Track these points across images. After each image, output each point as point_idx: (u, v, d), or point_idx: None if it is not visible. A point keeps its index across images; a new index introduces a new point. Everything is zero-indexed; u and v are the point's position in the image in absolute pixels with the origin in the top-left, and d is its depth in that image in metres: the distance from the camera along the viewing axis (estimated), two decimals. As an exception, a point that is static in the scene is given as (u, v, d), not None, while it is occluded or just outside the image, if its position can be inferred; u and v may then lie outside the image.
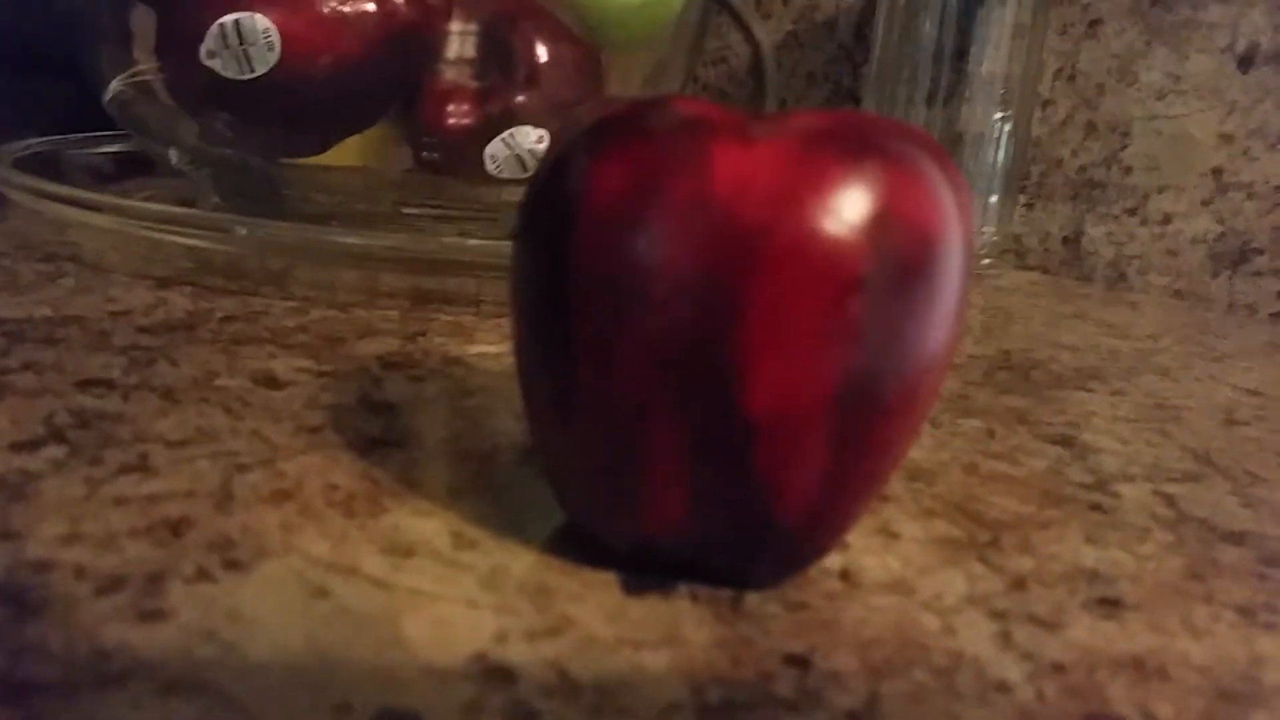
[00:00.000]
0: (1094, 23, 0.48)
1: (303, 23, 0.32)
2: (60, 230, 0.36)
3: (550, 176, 0.16)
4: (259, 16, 0.32)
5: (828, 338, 0.15)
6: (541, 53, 0.37)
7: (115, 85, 0.37)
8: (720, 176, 0.14)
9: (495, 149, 0.36)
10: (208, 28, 0.32)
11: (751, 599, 0.17)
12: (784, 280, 0.14)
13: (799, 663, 0.15)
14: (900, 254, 0.15)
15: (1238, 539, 0.21)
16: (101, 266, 0.32)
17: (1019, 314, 0.41)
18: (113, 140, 0.44)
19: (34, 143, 0.41)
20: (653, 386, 0.15)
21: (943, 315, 0.15)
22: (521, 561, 0.17)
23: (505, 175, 0.37)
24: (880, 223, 0.14)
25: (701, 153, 0.15)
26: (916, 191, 0.15)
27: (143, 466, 0.19)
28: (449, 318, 0.31)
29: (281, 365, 0.25)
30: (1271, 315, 0.46)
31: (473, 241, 0.31)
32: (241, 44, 0.32)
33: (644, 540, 0.17)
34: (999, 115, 0.46)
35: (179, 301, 0.30)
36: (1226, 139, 0.46)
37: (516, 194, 0.38)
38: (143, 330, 0.27)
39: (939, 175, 0.15)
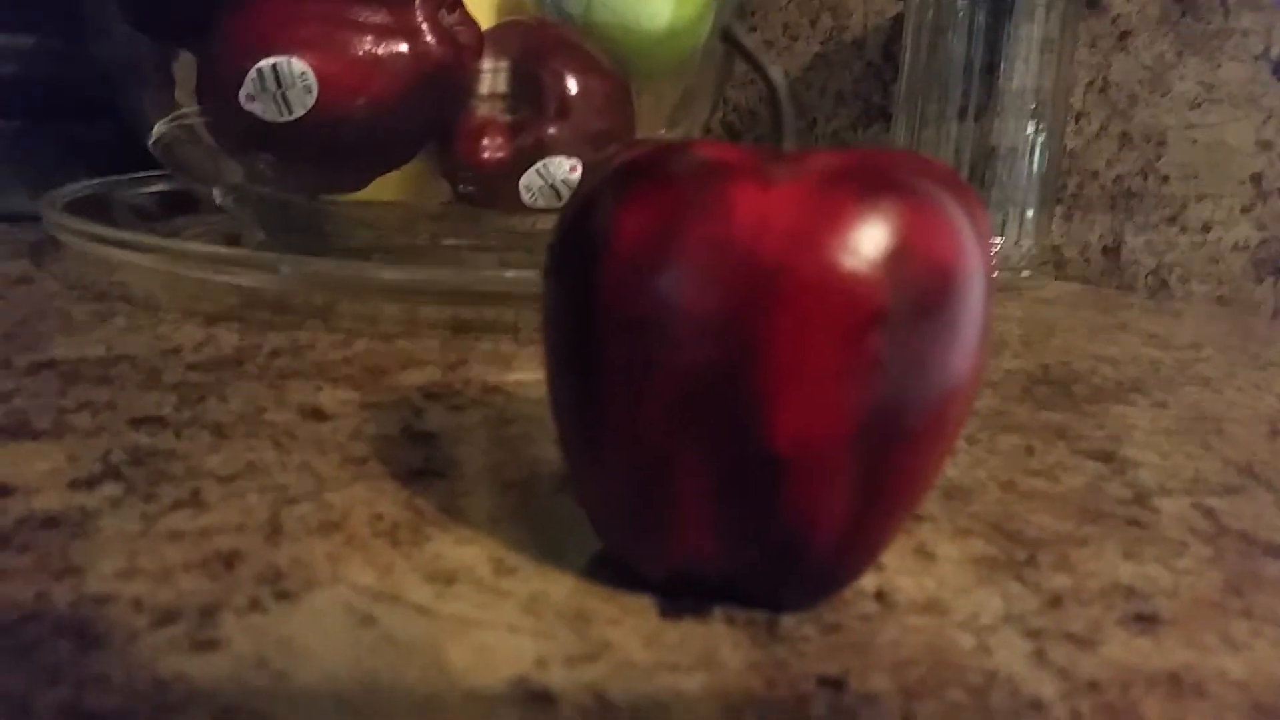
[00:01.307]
0: (1124, 35, 0.48)
1: (338, 65, 0.33)
2: (110, 270, 0.37)
3: (576, 219, 0.16)
4: (296, 61, 0.33)
5: (849, 372, 0.15)
6: (571, 85, 0.38)
7: (159, 128, 0.39)
8: (739, 218, 0.15)
9: (530, 180, 0.37)
10: (246, 73, 0.33)
11: (787, 621, 0.17)
12: (804, 317, 0.15)
13: (834, 684, 0.15)
14: (919, 287, 0.15)
15: (1279, 552, 0.21)
16: (151, 305, 0.34)
17: (1060, 326, 0.41)
18: (158, 180, 0.45)
19: (82, 185, 0.42)
20: (679, 423, 0.15)
21: (965, 345, 0.16)
22: (560, 587, 0.18)
23: (540, 205, 0.37)
24: (898, 257, 0.15)
25: (721, 195, 0.15)
26: (934, 225, 0.15)
27: (195, 501, 0.20)
28: (488, 346, 0.32)
29: (327, 397, 0.26)
30: (1317, 322, 0.45)
31: (510, 272, 0.32)
32: (280, 88, 0.33)
33: (677, 570, 0.17)
34: (1031, 128, 0.46)
35: (227, 338, 0.31)
36: (1264, 145, 0.46)
37: (551, 223, 0.39)
38: (192, 367, 0.28)
39: (957, 208, 0.16)
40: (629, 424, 0.16)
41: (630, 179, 0.16)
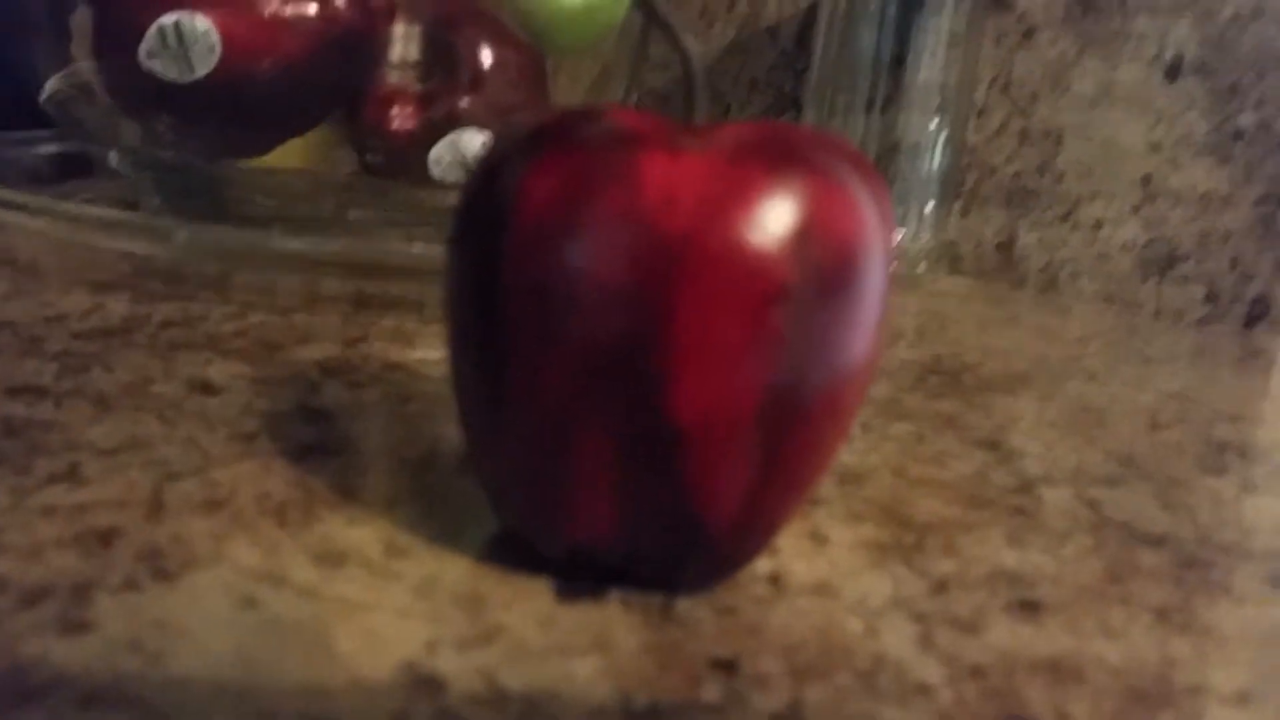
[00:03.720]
0: (1028, 32, 0.49)
1: (244, 24, 0.32)
2: (-8, 232, 0.35)
3: (483, 184, 0.16)
4: (199, 17, 0.32)
5: (751, 347, 0.15)
6: (486, 57, 0.37)
7: (52, 84, 0.37)
8: (648, 188, 0.15)
9: (439, 152, 0.36)
10: (147, 28, 0.32)
11: (682, 604, 0.17)
12: (709, 290, 0.15)
13: (726, 667, 0.16)
14: (823, 265, 0.15)
15: (1157, 542, 0.22)
16: (37, 271, 0.32)
17: (953, 319, 0.42)
18: (50, 140, 0.43)
19: (-35, 143, 0.40)
20: (581, 394, 0.15)
21: (865, 325, 0.16)
22: (454, 569, 0.17)
23: (449, 179, 0.37)
24: (804, 234, 0.15)
25: (630, 164, 0.15)
26: (839, 204, 0.15)
27: (73, 475, 0.19)
28: (391, 323, 0.31)
29: (218, 371, 0.25)
30: (1197, 320, 0.47)
31: (416, 246, 0.31)
32: (182, 45, 0.31)
33: (575, 547, 0.17)
34: (935, 123, 0.47)
35: (116, 306, 0.29)
36: (1155, 147, 0.47)
37: (459, 198, 0.38)
38: (77, 336, 0.27)
39: (862, 187, 0.16)
40: (531, 394, 0.15)
41: (538, 144, 0.15)
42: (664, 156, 0.15)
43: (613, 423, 0.15)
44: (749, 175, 0.15)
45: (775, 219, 0.15)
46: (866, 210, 0.16)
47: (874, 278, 0.16)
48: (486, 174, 0.16)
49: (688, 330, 0.15)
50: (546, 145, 0.15)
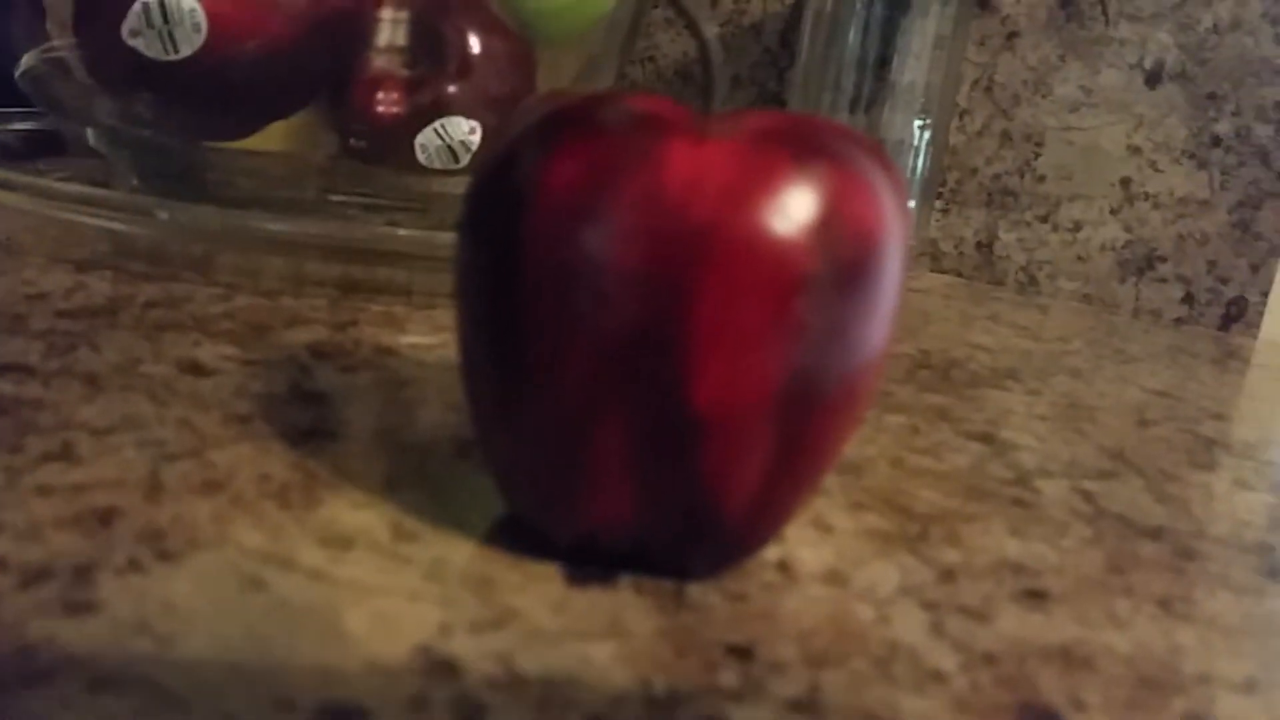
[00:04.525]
0: (1011, 35, 0.49)
1: (230, 4, 0.32)
2: (-34, 210, 0.34)
3: (501, 168, 0.16)
4: (184, -5, 0.31)
5: (773, 336, 0.15)
6: (474, 44, 0.37)
7: (28, 60, 0.36)
8: (672, 173, 0.15)
9: (426, 138, 0.36)
10: (130, 5, 0.31)
11: (693, 590, 0.17)
12: (732, 277, 0.14)
13: (741, 653, 0.15)
14: (844, 255, 0.15)
15: (1154, 534, 0.22)
16: (15, 248, 0.31)
17: (936, 315, 0.42)
18: (24, 117, 0.42)
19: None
20: (601, 380, 0.15)
21: (882, 315, 0.16)
22: (463, 553, 0.17)
23: (436, 165, 0.36)
24: (826, 223, 0.15)
25: (654, 149, 0.15)
26: (861, 194, 0.15)
27: (67, 454, 0.18)
28: (379, 308, 0.31)
29: (207, 353, 0.25)
30: (1175, 320, 0.48)
31: (403, 231, 0.31)
32: (166, 23, 0.31)
33: (588, 534, 0.17)
34: (918, 123, 0.47)
35: (99, 286, 0.29)
36: (1134, 151, 0.48)
37: (446, 184, 0.38)
38: (62, 314, 0.26)
39: (882, 178, 0.16)
40: (549, 381, 0.15)
41: (559, 128, 0.15)
42: (687, 143, 0.15)
43: (632, 410, 0.15)
44: (772, 163, 0.15)
45: (799, 208, 0.15)
46: (886, 201, 0.16)
47: (892, 268, 0.16)
48: (504, 157, 0.16)
49: (709, 318, 0.15)
50: (567, 130, 0.15)
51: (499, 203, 0.16)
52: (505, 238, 0.15)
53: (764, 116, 0.16)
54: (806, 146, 0.15)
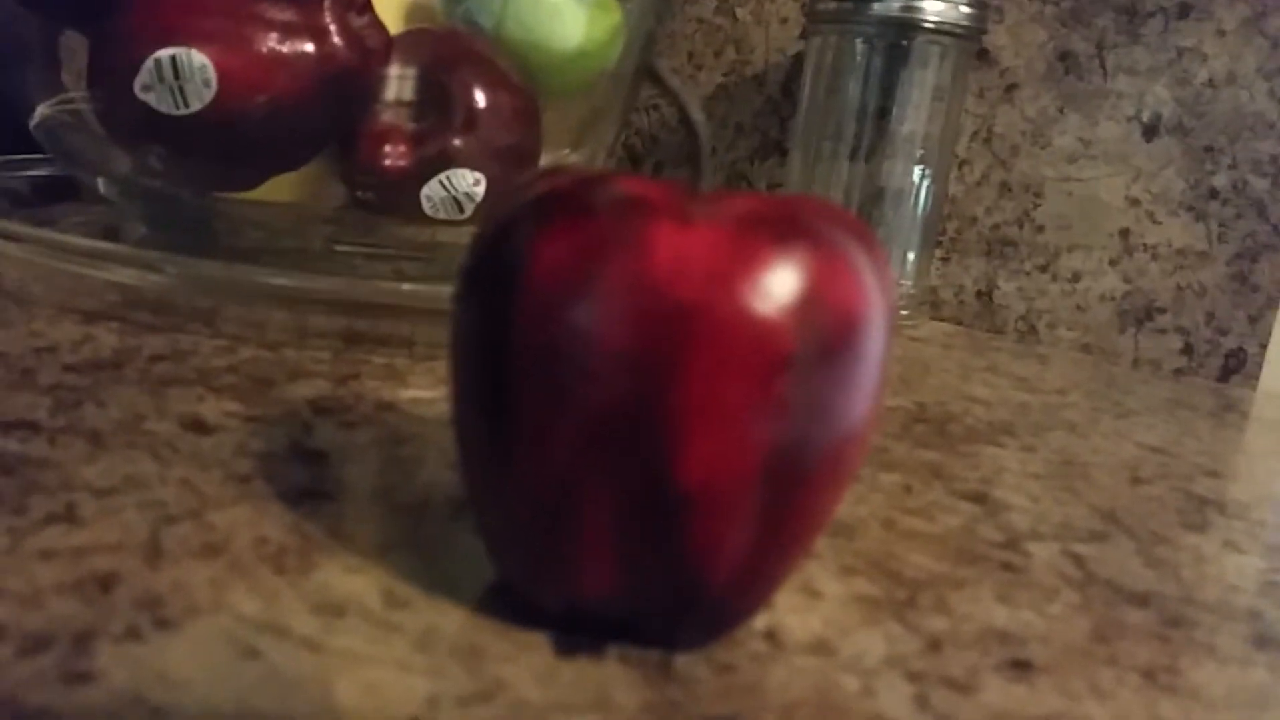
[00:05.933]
0: (1010, 87, 0.50)
1: (241, 61, 0.32)
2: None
3: (492, 244, 0.16)
4: (195, 53, 0.32)
5: (757, 413, 0.15)
6: (479, 97, 0.37)
7: (42, 110, 0.37)
8: (658, 256, 0.15)
9: (432, 190, 0.37)
10: (142, 61, 0.32)
11: (680, 661, 0.17)
12: (717, 357, 0.15)
13: (725, 726, 0.16)
14: (826, 334, 0.15)
15: (1141, 600, 0.22)
16: (24, 298, 0.32)
17: (935, 365, 0.43)
18: (37, 164, 0.43)
19: (-51, 165, 0.40)
20: (587, 456, 0.15)
21: (865, 390, 0.16)
22: (453, 621, 0.17)
23: (441, 216, 0.37)
24: (808, 304, 0.15)
25: (641, 232, 0.15)
26: (843, 274, 0.16)
27: (70, 516, 0.19)
28: (381, 360, 0.31)
29: (210, 408, 0.25)
30: (1175, 371, 0.48)
31: (406, 285, 0.32)
32: (177, 79, 0.32)
33: (575, 603, 0.17)
34: (918, 172, 0.48)
35: (106, 338, 0.29)
36: (1133, 202, 0.48)
37: (451, 235, 0.38)
38: (69, 369, 0.26)
39: (864, 258, 0.16)
40: (537, 454, 0.16)
41: (549, 209, 0.16)
42: (673, 226, 0.15)
43: (618, 484, 0.16)
44: (757, 246, 0.15)
45: (781, 289, 0.15)
46: (868, 280, 0.16)
47: (875, 344, 0.16)
48: (496, 233, 0.16)
49: (694, 397, 0.15)
50: (557, 210, 0.16)
51: (490, 277, 0.16)
52: (496, 314, 0.16)
53: (750, 199, 0.16)
54: (789, 229, 0.16)
